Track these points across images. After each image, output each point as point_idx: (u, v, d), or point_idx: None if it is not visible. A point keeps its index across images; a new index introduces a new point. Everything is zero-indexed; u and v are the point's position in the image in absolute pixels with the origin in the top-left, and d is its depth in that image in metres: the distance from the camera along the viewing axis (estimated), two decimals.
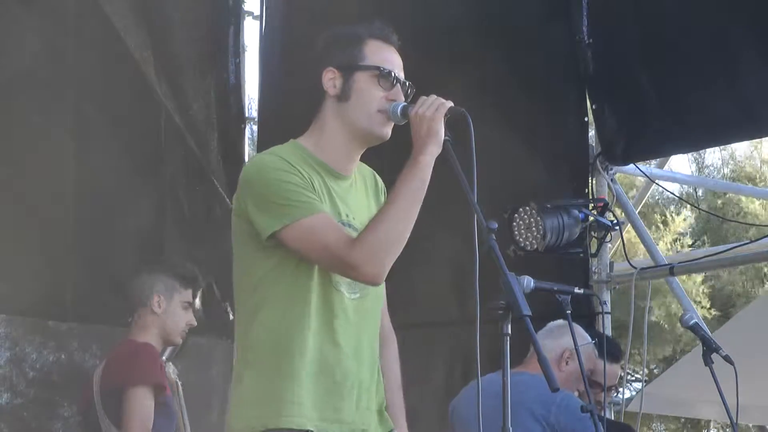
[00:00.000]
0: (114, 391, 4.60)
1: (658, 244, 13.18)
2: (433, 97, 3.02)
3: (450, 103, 3.00)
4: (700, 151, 14.95)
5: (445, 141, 2.98)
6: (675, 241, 13.93)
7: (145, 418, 4.52)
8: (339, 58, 3.13)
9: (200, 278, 5.02)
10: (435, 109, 2.98)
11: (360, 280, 3.01)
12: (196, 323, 4.87)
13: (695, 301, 12.80)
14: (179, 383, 4.98)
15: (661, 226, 14.01)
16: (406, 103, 3.08)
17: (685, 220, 14.14)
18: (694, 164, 15.45)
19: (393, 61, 3.14)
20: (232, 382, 3.12)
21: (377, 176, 3.31)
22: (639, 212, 6.69)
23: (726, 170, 15.23)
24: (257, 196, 3.03)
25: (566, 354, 4.55)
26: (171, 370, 5.03)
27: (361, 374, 3.07)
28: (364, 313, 3.10)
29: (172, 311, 4.79)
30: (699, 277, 13.34)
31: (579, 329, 4.43)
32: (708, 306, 13.40)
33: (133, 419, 4.51)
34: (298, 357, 2.99)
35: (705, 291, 13.53)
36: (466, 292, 5.80)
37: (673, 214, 14.12)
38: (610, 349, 4.73)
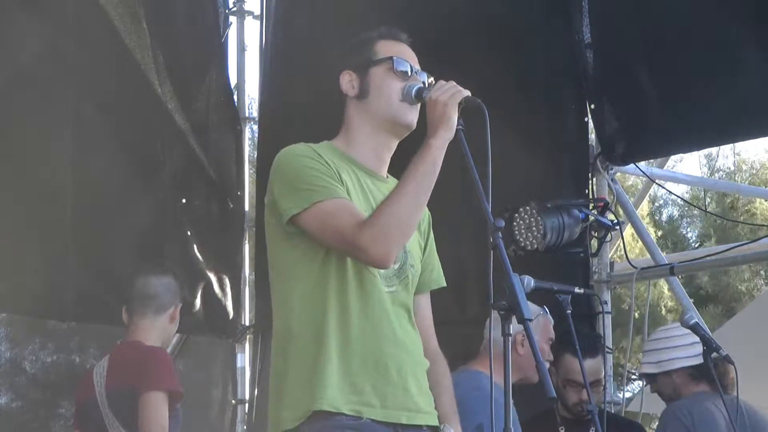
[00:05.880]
0: (124, 392, 4.45)
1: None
2: (452, 83, 3.02)
3: (467, 92, 2.99)
4: (713, 155, 14.91)
5: (457, 130, 2.97)
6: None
7: (164, 423, 4.37)
8: (353, 60, 3.19)
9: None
10: (450, 95, 2.98)
11: (368, 263, 3.00)
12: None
13: None
14: None
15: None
16: (422, 86, 3.10)
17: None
18: (706, 167, 15.40)
19: (406, 53, 3.19)
20: (271, 372, 3.09)
21: None
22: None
23: (739, 178, 15.14)
24: (282, 181, 3.07)
25: (519, 337, 4.23)
26: None
27: (404, 361, 3.07)
28: (400, 306, 3.12)
29: (176, 322, 4.74)
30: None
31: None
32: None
33: (152, 425, 4.34)
34: (335, 344, 2.99)
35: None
36: (467, 291, 5.79)
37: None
38: (583, 344, 4.42)
